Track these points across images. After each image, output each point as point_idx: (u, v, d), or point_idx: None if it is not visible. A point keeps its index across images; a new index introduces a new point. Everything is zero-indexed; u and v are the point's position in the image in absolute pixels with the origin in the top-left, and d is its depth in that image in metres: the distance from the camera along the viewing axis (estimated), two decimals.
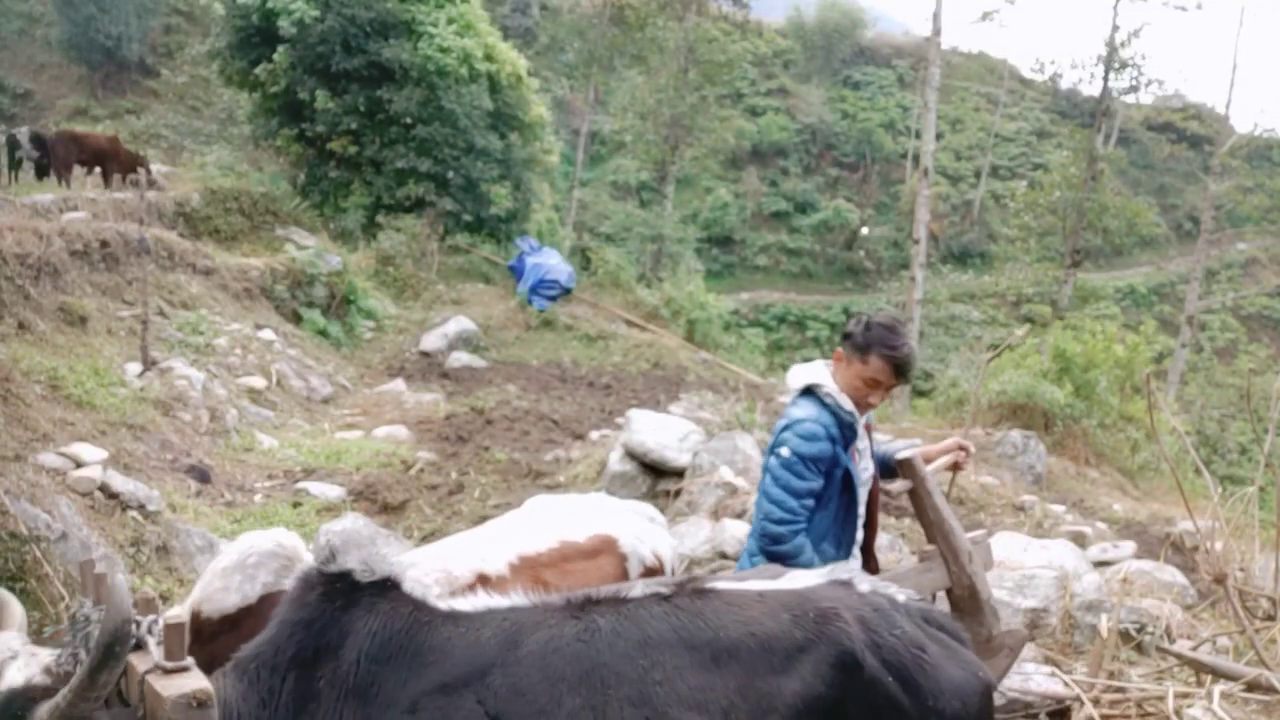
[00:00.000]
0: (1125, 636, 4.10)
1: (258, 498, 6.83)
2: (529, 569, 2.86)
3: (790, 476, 2.94)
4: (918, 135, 29.45)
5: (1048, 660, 3.98)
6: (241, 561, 2.64)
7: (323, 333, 12.46)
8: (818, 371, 3.13)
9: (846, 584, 2.19)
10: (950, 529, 3.05)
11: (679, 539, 5.31)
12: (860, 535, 3.21)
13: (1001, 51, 49.18)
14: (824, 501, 3.02)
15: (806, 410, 3.04)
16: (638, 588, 2.11)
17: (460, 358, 12.88)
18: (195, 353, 9.12)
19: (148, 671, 1.75)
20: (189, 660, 1.80)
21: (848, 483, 3.06)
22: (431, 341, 13.23)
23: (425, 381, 11.70)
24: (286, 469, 7.51)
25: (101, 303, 8.81)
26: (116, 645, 1.68)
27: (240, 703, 1.83)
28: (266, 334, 10.80)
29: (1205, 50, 77.96)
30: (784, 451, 2.97)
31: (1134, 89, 25.50)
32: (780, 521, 2.93)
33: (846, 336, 3.06)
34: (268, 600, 2.51)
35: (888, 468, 3.28)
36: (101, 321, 8.50)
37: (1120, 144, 36.22)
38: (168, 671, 1.74)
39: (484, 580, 2.78)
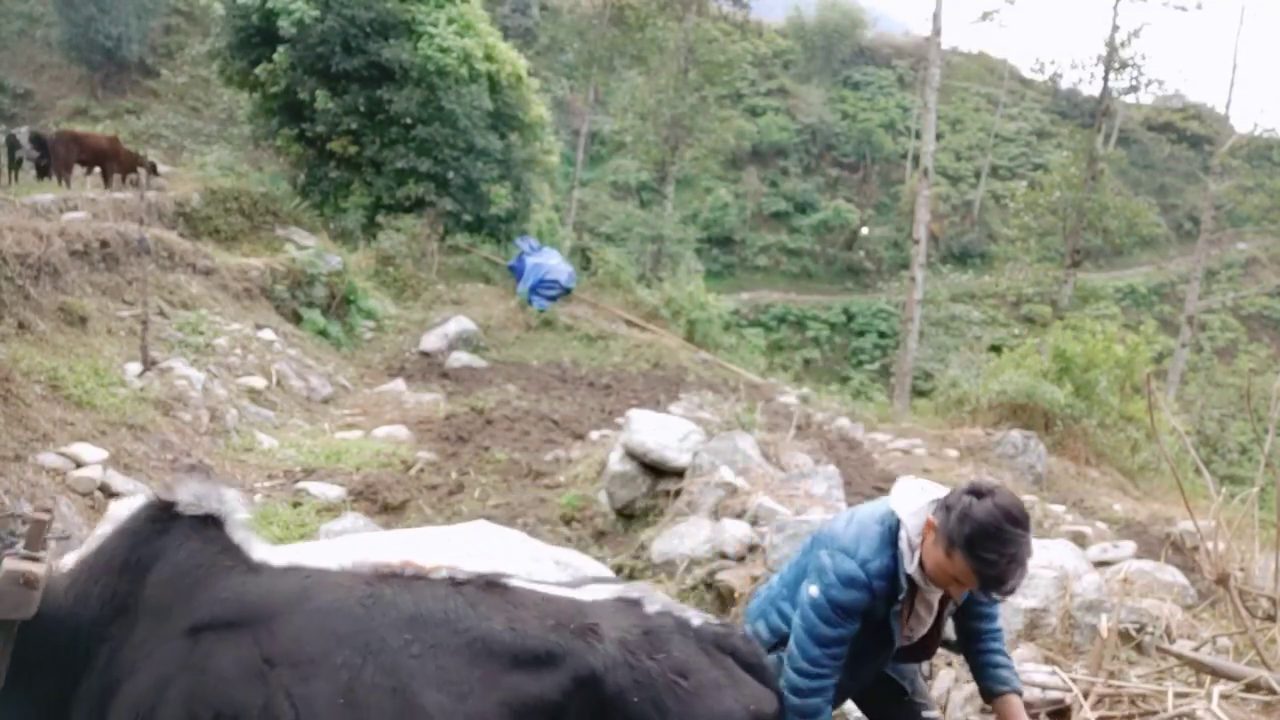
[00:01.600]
0: (1125, 636, 4.09)
1: (258, 498, 6.83)
2: None
3: (817, 620, 2.57)
4: (918, 135, 29.45)
5: (1048, 660, 3.98)
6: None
7: (323, 333, 12.46)
8: (917, 509, 2.56)
9: (633, 603, 2.22)
10: None
11: (679, 539, 5.31)
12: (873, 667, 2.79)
13: (1001, 51, 49.25)
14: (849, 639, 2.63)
15: (864, 545, 2.57)
16: (443, 570, 2.24)
17: (460, 358, 12.88)
18: (195, 353, 9.12)
19: (5, 553, 2.00)
20: (43, 554, 2.03)
21: (884, 635, 2.66)
22: (431, 341, 13.22)
23: (425, 381, 11.69)
24: (286, 469, 7.51)
25: (101, 303, 8.81)
26: None
27: (61, 597, 2.06)
28: (266, 334, 10.80)
29: (1205, 50, 78.06)
30: (813, 590, 2.58)
31: (1134, 89, 25.53)
32: (802, 672, 2.56)
33: (946, 509, 2.45)
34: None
35: (986, 673, 2.77)
36: (101, 321, 8.50)
37: (1120, 144, 36.24)
38: (22, 558, 1.99)
39: None
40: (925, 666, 3.76)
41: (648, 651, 2.09)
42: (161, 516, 2.16)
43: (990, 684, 2.76)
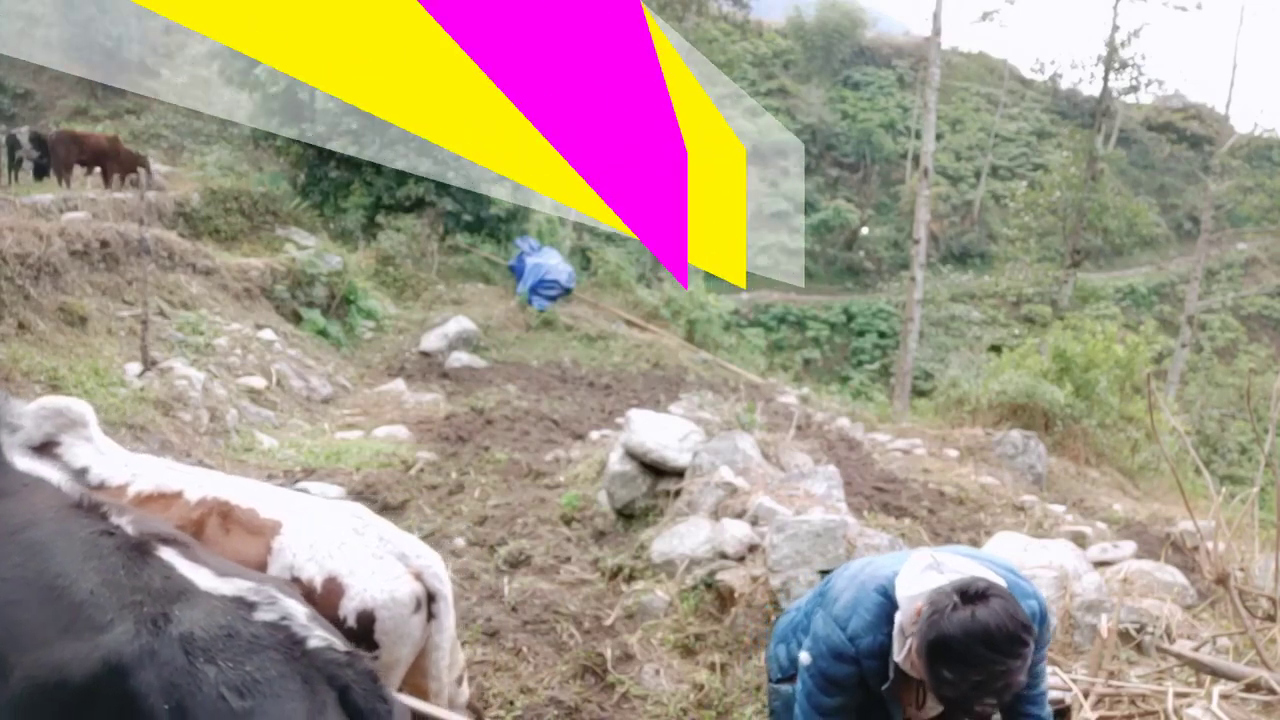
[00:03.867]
0: (1125, 636, 4.10)
1: None
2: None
3: (814, 689, 2.42)
4: (918, 135, 29.45)
5: (1047, 660, 3.98)
6: (36, 410, 2.85)
7: (323, 333, 12.46)
8: (916, 594, 2.22)
9: (247, 604, 1.98)
10: None
11: (679, 539, 5.30)
12: None
13: (1001, 51, 49.26)
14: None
15: (857, 617, 2.33)
16: (127, 516, 2.19)
17: (460, 358, 12.88)
18: (195, 353, 9.12)
19: None
20: None
21: (885, 709, 2.44)
22: (431, 341, 13.22)
23: (425, 381, 11.69)
24: (286, 469, 7.51)
25: (101, 303, 8.81)
26: None
27: None
28: (266, 334, 10.80)
29: (1205, 50, 78.08)
30: (804, 658, 2.42)
31: (1134, 89, 25.63)
32: None
33: (931, 603, 2.13)
34: (46, 448, 2.79)
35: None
36: (101, 321, 8.50)
37: (1120, 144, 36.25)
38: None
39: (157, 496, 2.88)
40: None
41: (211, 656, 1.81)
42: None
43: None
